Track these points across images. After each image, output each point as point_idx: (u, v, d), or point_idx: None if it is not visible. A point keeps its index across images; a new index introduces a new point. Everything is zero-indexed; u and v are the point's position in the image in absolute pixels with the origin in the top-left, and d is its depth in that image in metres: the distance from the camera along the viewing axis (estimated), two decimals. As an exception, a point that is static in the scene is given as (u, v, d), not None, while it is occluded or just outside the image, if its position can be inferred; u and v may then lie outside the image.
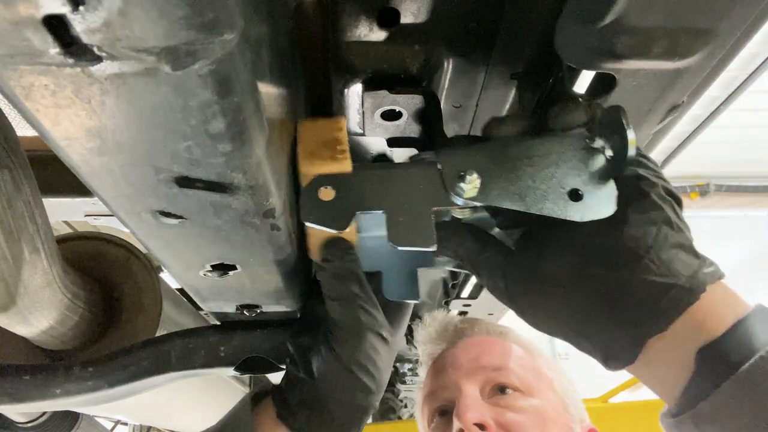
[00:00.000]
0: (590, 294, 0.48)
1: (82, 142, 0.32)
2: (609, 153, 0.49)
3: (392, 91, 0.58)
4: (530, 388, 0.82)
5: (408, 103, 0.59)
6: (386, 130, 0.62)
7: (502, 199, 0.49)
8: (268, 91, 0.38)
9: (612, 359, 0.48)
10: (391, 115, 0.60)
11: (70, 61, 0.25)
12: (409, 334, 1.30)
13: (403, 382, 3.26)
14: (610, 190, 0.49)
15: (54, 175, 0.85)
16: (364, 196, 0.50)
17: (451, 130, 0.69)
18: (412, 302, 0.64)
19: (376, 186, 0.51)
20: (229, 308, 0.65)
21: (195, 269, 0.52)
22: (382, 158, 0.67)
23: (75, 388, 0.68)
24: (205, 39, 0.25)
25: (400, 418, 3.46)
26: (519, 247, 0.55)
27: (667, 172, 0.53)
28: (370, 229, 0.55)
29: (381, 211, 0.50)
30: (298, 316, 0.69)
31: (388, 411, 3.45)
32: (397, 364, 3.00)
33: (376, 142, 0.64)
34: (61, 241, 0.88)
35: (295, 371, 0.60)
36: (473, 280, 1.53)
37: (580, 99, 0.51)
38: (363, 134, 0.63)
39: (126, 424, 2.31)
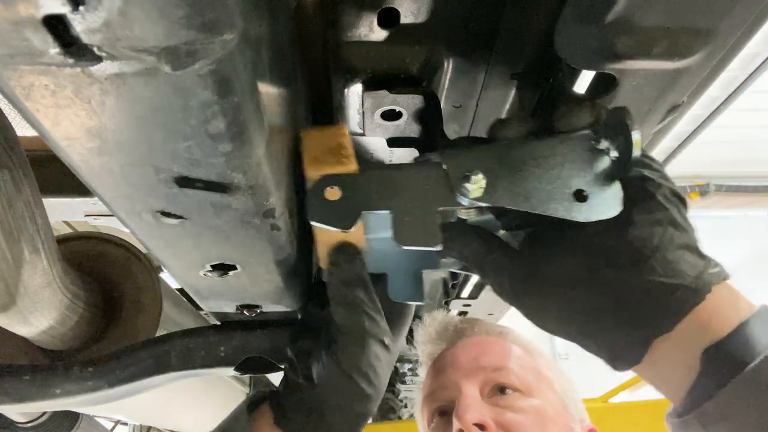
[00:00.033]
0: (596, 295, 0.48)
1: (82, 142, 0.32)
2: (614, 154, 0.49)
3: (392, 91, 0.58)
4: (530, 389, 0.82)
5: (408, 103, 0.59)
6: (386, 130, 0.62)
7: (508, 199, 0.49)
8: (268, 91, 0.38)
9: (618, 360, 0.48)
10: (391, 115, 0.60)
11: (70, 61, 0.25)
12: (409, 334, 1.30)
13: (403, 382, 3.26)
14: (616, 190, 0.49)
15: (54, 175, 0.85)
16: (369, 196, 0.51)
17: (451, 130, 0.69)
18: (417, 304, 0.64)
19: (381, 186, 0.51)
20: (229, 308, 0.65)
21: (195, 269, 0.52)
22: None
23: (75, 388, 0.68)
24: (205, 39, 0.25)
25: (400, 418, 3.46)
26: (524, 249, 0.55)
27: (667, 172, 0.53)
28: (376, 230, 0.55)
29: (386, 211, 0.51)
30: (299, 316, 0.69)
31: (388, 411, 3.45)
32: (397, 364, 3.00)
33: (376, 142, 0.64)
34: (61, 241, 0.88)
35: (294, 376, 0.60)
36: (473, 280, 1.53)
37: (584, 100, 0.51)
38: (363, 134, 0.63)
39: (126, 424, 2.31)
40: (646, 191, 0.48)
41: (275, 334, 0.70)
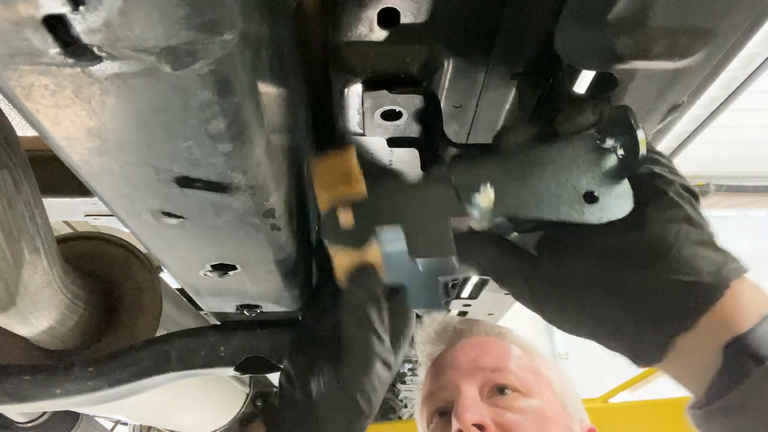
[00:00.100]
0: (614, 295, 0.48)
1: (82, 142, 0.32)
2: (620, 152, 0.49)
3: (392, 91, 0.58)
4: (529, 389, 0.82)
5: (408, 103, 0.59)
6: (386, 130, 0.62)
7: (518, 208, 0.49)
8: (268, 91, 0.38)
9: (640, 358, 0.49)
10: (391, 115, 0.60)
11: (70, 61, 0.25)
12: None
13: (403, 382, 3.26)
14: (625, 189, 0.48)
15: (54, 175, 0.85)
16: (381, 215, 0.52)
17: (451, 130, 0.69)
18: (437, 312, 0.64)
19: (392, 205, 0.53)
20: (229, 308, 0.65)
21: (195, 269, 0.52)
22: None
23: (75, 388, 0.68)
24: (205, 39, 0.25)
25: (400, 418, 3.46)
26: (539, 252, 0.55)
27: (673, 166, 0.53)
28: (390, 245, 0.56)
29: (399, 227, 0.52)
30: (299, 317, 0.69)
31: (388, 411, 3.45)
32: (397, 364, 2.99)
33: (376, 142, 0.64)
34: (61, 241, 0.88)
35: (291, 392, 0.60)
36: (473, 280, 1.53)
37: (585, 100, 0.51)
38: (363, 134, 0.63)
39: (126, 424, 2.30)
40: (658, 188, 0.48)
41: (275, 335, 0.70)
